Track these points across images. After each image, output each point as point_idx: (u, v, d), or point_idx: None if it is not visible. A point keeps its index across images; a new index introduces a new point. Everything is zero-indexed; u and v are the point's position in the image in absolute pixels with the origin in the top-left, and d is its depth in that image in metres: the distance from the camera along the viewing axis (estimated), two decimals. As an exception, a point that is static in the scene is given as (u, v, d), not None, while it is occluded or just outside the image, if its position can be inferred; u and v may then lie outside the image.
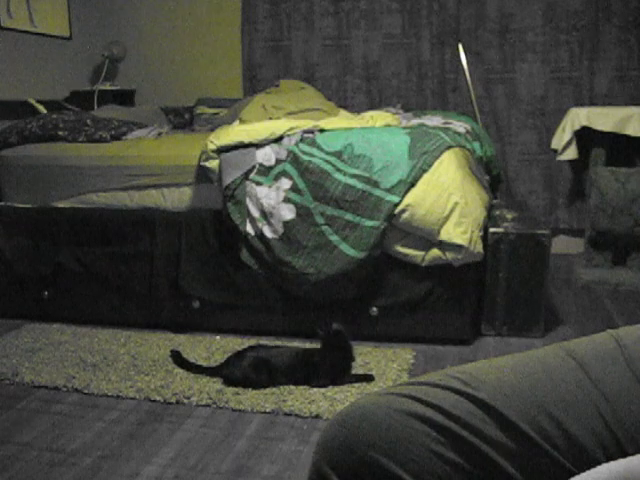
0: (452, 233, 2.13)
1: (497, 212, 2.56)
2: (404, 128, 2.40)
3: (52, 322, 2.61)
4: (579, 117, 2.98)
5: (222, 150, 2.33)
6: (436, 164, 2.18)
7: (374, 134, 2.29)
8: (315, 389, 1.93)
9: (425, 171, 2.16)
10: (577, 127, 3.00)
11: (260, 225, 2.29)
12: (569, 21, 3.44)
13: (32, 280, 2.63)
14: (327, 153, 2.25)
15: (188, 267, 2.45)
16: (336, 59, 3.79)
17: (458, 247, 2.14)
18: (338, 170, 2.22)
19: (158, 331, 2.48)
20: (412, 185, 2.16)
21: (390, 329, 2.33)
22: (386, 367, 2.09)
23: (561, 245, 3.64)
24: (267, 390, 1.94)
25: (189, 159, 2.44)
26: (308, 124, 2.40)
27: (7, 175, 2.69)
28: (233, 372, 1.97)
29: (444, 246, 2.16)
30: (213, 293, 2.44)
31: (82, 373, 2.10)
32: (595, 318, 2.57)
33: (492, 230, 2.31)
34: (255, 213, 2.29)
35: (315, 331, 2.01)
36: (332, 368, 1.97)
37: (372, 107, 3.62)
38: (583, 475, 0.51)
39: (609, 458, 0.55)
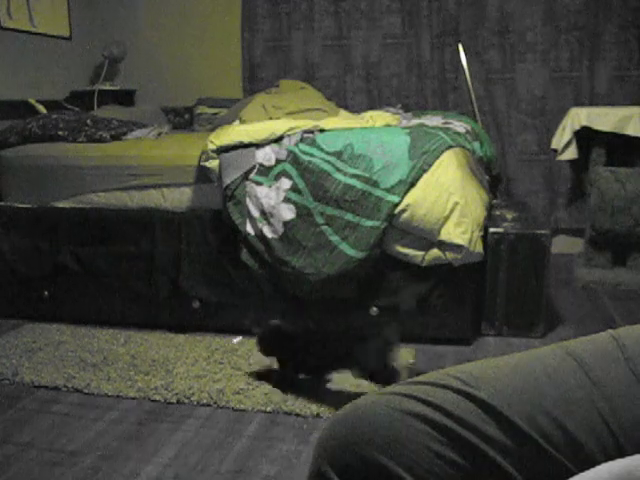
0: (452, 233, 2.13)
1: (497, 212, 2.56)
2: (404, 128, 2.40)
3: (52, 322, 2.60)
4: (579, 117, 2.98)
5: (222, 150, 2.33)
6: (436, 164, 2.18)
7: (374, 134, 2.29)
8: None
9: (425, 171, 2.16)
10: (577, 127, 2.99)
11: (260, 225, 2.29)
12: (569, 21, 3.44)
13: (32, 280, 2.63)
14: (327, 153, 2.25)
15: (188, 267, 2.45)
16: (336, 59, 3.78)
17: (458, 247, 2.14)
18: (338, 170, 2.21)
19: (158, 331, 2.48)
20: (412, 185, 2.16)
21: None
22: (386, 367, 2.09)
23: (561, 245, 3.63)
24: (267, 389, 1.94)
25: (189, 159, 2.44)
26: (308, 124, 2.39)
27: (7, 175, 2.69)
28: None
29: (444, 246, 2.16)
30: (213, 293, 2.44)
31: (82, 373, 2.10)
32: (595, 318, 2.57)
33: (492, 230, 2.31)
34: (255, 213, 2.29)
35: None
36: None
37: (372, 107, 3.61)
38: (583, 475, 0.51)
39: (609, 458, 0.55)
